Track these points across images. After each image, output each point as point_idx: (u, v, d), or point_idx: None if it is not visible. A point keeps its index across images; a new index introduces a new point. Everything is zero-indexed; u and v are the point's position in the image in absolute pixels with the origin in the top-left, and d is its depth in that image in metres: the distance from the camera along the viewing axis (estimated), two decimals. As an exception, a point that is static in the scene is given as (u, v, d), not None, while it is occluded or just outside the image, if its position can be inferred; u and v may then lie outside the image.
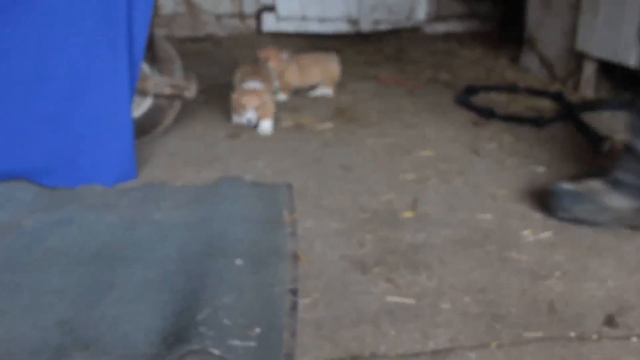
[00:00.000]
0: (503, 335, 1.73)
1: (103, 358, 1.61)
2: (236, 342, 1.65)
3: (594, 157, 2.91)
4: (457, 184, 2.64)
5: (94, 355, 1.61)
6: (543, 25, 4.19)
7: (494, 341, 1.70)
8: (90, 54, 2.53)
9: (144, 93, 2.88)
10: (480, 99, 3.73)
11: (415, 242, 2.18)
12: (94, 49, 2.53)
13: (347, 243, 2.18)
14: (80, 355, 1.61)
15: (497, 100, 3.72)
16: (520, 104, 3.66)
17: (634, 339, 1.71)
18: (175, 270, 1.99)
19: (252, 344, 1.66)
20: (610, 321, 1.77)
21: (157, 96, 2.92)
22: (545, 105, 3.65)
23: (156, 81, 2.86)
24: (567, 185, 2.30)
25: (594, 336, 1.72)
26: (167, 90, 2.88)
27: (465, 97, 3.67)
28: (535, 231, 2.25)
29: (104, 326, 1.73)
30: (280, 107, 3.55)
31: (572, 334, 1.73)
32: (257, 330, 1.72)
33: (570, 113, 3.38)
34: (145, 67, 2.86)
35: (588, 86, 3.82)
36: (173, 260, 2.05)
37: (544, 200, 2.39)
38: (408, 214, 2.37)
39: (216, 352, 1.59)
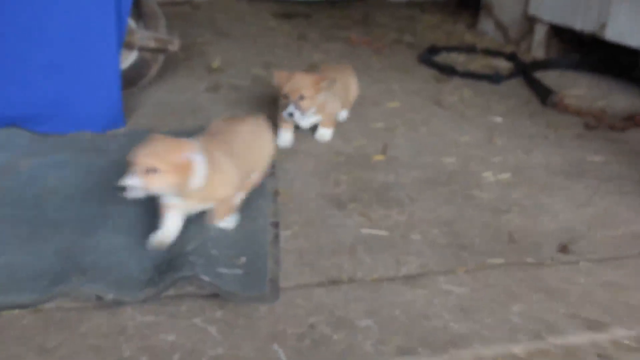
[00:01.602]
0: (469, 261, 1.74)
1: (100, 282, 1.57)
2: (224, 270, 1.63)
3: (543, 108, 2.92)
4: (422, 132, 2.62)
5: (91, 279, 1.58)
6: (499, -9, 4.16)
7: (461, 267, 1.71)
8: (82, 8, 2.43)
9: (130, 46, 2.78)
10: (441, 58, 3.70)
11: (386, 182, 2.17)
12: (85, 4, 2.43)
13: (324, 182, 2.16)
14: (78, 280, 1.57)
15: (457, 60, 3.70)
16: (478, 63, 3.65)
17: (583, 263, 1.74)
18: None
19: (239, 271, 1.64)
20: (563, 248, 1.80)
21: (142, 49, 2.83)
22: (501, 64, 3.64)
23: (142, 35, 2.77)
24: None
25: (549, 261, 1.75)
26: (152, 44, 2.79)
27: (428, 56, 3.64)
28: (495, 173, 2.26)
29: (100, 254, 1.69)
30: (255, 64, 3.48)
31: (530, 260, 1.75)
32: (243, 259, 1.70)
33: (523, 71, 3.38)
34: (131, 22, 2.76)
35: (540, 48, 3.82)
36: (162, 197, 2.00)
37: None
38: (379, 157, 2.36)
39: (206, 278, 1.56)
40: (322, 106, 2.41)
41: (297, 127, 2.48)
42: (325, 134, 2.50)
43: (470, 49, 3.85)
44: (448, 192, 2.12)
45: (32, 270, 1.63)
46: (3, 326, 1.45)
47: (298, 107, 2.32)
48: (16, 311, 1.50)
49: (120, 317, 1.49)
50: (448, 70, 3.39)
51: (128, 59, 2.85)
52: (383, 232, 1.87)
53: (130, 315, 1.50)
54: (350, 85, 2.70)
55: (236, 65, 3.48)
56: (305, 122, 2.45)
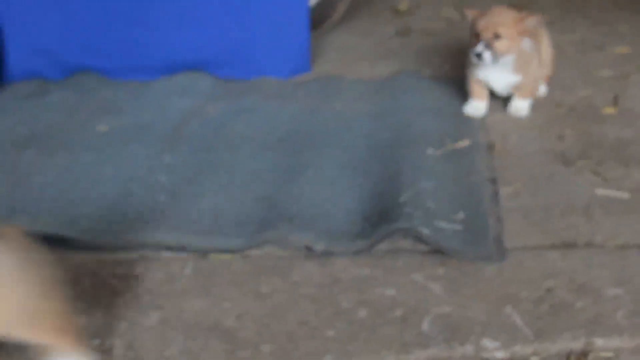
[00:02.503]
0: None
1: (308, 232, 1.69)
2: (443, 224, 1.68)
3: None
4: (662, 80, 2.49)
5: (299, 228, 1.69)
6: None
7: None
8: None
9: (316, -16, 2.90)
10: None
11: (621, 137, 2.11)
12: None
13: (544, 136, 2.14)
14: (285, 227, 1.69)
15: None
16: None
17: None
18: (367, 156, 2.04)
19: (459, 227, 1.69)
20: None
21: (328, -12, 2.94)
22: None
23: (329, -30, 2.87)
24: None
25: None
26: (339, -20, 2.89)
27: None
28: None
29: (304, 203, 1.81)
30: (447, 4, 3.47)
31: None
32: (462, 214, 1.74)
33: None
34: (317, -43, 2.87)
35: None
36: (362, 147, 2.09)
37: None
38: (610, 110, 2.28)
39: (426, 231, 1.62)
40: (525, 61, 2.18)
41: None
42: (522, 107, 2.26)
43: None
44: None
45: (236, 216, 1.78)
46: (214, 270, 1.61)
47: (490, 47, 2.11)
48: (224, 255, 1.65)
49: (332, 267, 1.60)
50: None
51: (313, -2, 2.97)
52: (624, 194, 1.82)
53: (343, 267, 1.60)
54: (542, 44, 2.33)
55: (425, 6, 3.49)
56: (501, 82, 2.23)
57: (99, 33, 2.64)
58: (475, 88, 2.29)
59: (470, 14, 2.20)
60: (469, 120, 2.26)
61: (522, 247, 1.64)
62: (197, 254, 1.65)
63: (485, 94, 2.29)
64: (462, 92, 2.39)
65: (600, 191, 1.84)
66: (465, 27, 3.08)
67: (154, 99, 2.50)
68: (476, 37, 2.14)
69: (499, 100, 2.34)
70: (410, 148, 2.05)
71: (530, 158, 2.02)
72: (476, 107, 2.29)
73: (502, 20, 2.12)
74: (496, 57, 2.13)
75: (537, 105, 2.32)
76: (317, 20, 3.01)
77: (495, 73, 2.21)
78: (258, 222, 1.74)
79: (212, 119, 2.33)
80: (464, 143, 2.08)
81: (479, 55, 2.13)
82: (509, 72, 2.20)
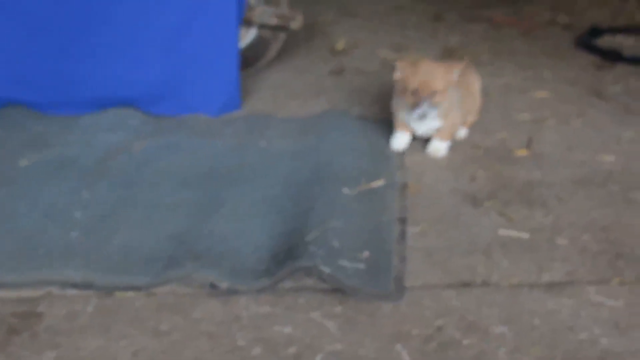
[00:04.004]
0: (626, 272, 1.73)
1: (214, 269, 1.72)
2: (346, 263, 1.73)
3: None
4: (576, 125, 2.60)
5: (205, 266, 1.73)
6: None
7: (616, 277, 1.71)
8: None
9: (249, 23, 2.96)
10: (604, 41, 3.61)
11: (530, 179, 2.19)
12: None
13: (458, 177, 2.21)
14: (192, 265, 1.73)
15: (625, 43, 3.60)
16: (650, 47, 3.53)
17: None
18: (283, 194, 2.08)
19: (362, 265, 1.74)
20: None
21: (261, 27, 3.00)
22: (680, 48, 3.50)
23: (262, 10, 2.94)
24: None
25: None
26: (273, 20, 2.96)
27: (588, 40, 3.57)
28: (664, 174, 2.21)
29: (214, 240, 1.85)
30: (384, 46, 3.58)
31: None
32: (366, 253, 1.79)
33: None
34: (251, -3, 2.94)
35: None
36: (280, 185, 2.14)
37: None
38: (522, 152, 2.37)
39: (327, 270, 1.67)
40: (449, 107, 2.26)
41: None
42: (440, 148, 2.34)
43: (640, 30, 3.73)
44: (604, 193, 2.10)
45: (146, 253, 1.81)
46: (117, 307, 1.63)
47: (432, 106, 2.20)
48: (129, 293, 1.68)
49: (234, 305, 1.63)
50: (612, 56, 3.31)
51: (246, 37, 3.03)
52: (524, 235, 1.90)
53: (244, 305, 1.63)
54: (474, 90, 2.47)
55: (362, 47, 3.59)
56: (424, 127, 2.31)
57: (29, 66, 2.66)
58: (400, 127, 2.38)
59: (402, 67, 2.24)
60: (388, 159, 2.32)
61: (421, 286, 1.70)
62: (103, 292, 1.68)
63: (409, 131, 2.38)
64: (387, 132, 2.46)
65: (503, 231, 1.91)
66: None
67: (81, 133, 2.53)
68: (413, 94, 2.19)
69: (419, 141, 2.42)
70: (327, 186, 2.11)
71: (442, 198, 2.09)
72: (401, 138, 2.38)
73: (436, 76, 2.19)
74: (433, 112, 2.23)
75: (456, 146, 2.41)
76: (251, 58, 3.08)
77: (420, 120, 2.29)
78: (166, 260, 1.77)
79: (136, 155, 2.36)
80: (379, 182, 2.15)
81: (423, 116, 2.23)
82: (433, 118, 2.28)
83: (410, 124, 2.34)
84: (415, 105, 2.19)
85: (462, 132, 2.48)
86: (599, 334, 1.52)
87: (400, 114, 2.36)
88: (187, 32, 2.68)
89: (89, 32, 2.63)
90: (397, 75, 2.25)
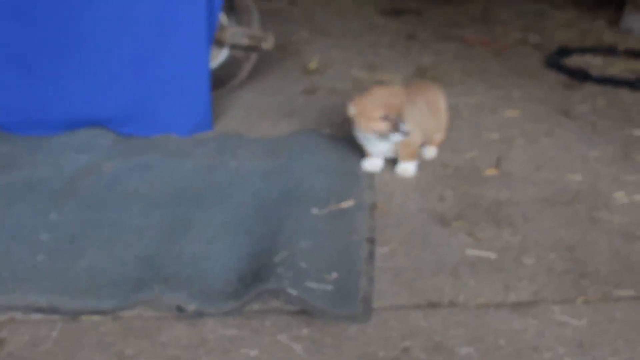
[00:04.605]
0: (590, 291, 1.75)
1: (181, 292, 1.71)
2: (313, 285, 1.73)
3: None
4: (544, 144, 2.64)
5: (173, 288, 1.72)
6: (647, -17, 4.08)
7: (581, 296, 1.72)
8: (171, 3, 2.63)
9: (220, 44, 2.98)
10: (573, 61, 3.68)
11: (498, 199, 2.21)
12: (174, -2, 2.64)
13: (427, 197, 2.23)
14: (160, 288, 1.72)
15: (592, 63, 3.66)
16: (618, 67, 3.59)
17: None
18: (252, 215, 2.09)
19: (329, 287, 1.74)
20: None
21: (233, 47, 3.02)
22: (646, 68, 3.57)
23: (234, 31, 2.96)
24: None
25: (689, 296, 1.72)
26: (245, 41, 2.97)
27: (557, 59, 3.63)
28: (630, 193, 2.24)
29: (182, 263, 1.84)
30: (357, 65, 3.60)
31: (666, 294, 1.74)
32: (334, 274, 1.79)
33: (673, 77, 3.31)
34: (223, 18, 2.96)
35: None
36: (250, 206, 2.14)
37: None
38: (491, 172, 2.40)
39: (294, 292, 1.67)
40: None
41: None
42: (408, 168, 2.37)
43: (609, 51, 3.80)
44: (571, 213, 2.13)
45: (113, 276, 1.80)
46: (82, 332, 1.62)
47: (405, 126, 2.20)
48: (95, 317, 1.67)
49: (201, 329, 1.63)
50: (580, 75, 3.37)
51: (218, 57, 3.04)
52: (491, 254, 1.91)
53: (211, 328, 1.63)
54: (438, 108, 2.49)
55: (335, 66, 3.62)
56: (380, 148, 2.35)
57: (-2, 87, 2.66)
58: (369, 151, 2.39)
59: (354, 103, 2.26)
60: (358, 179, 2.34)
61: (389, 306, 1.70)
62: (68, 316, 1.66)
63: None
64: (358, 151, 2.48)
65: (470, 251, 1.93)
66: (370, 87, 3.23)
67: (50, 154, 2.51)
68: (385, 119, 2.21)
69: (390, 161, 2.43)
70: (296, 207, 2.11)
71: (410, 218, 2.11)
72: (373, 163, 2.41)
73: (400, 99, 2.21)
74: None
75: (425, 165, 2.43)
76: (223, 78, 3.09)
77: (377, 143, 2.33)
78: (133, 283, 1.76)
79: (106, 176, 2.35)
80: (349, 203, 2.16)
81: (407, 134, 2.21)
82: (384, 143, 2.31)
83: (375, 150, 2.37)
84: (394, 128, 2.20)
85: (432, 152, 2.50)
86: (563, 353, 1.53)
87: (369, 144, 2.36)
88: (158, 52, 2.68)
89: (59, 53, 2.62)
90: (353, 112, 2.26)
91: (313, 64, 3.59)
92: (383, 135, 2.24)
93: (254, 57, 3.10)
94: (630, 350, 1.55)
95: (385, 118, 2.21)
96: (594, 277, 1.80)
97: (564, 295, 1.73)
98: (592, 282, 1.78)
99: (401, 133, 2.21)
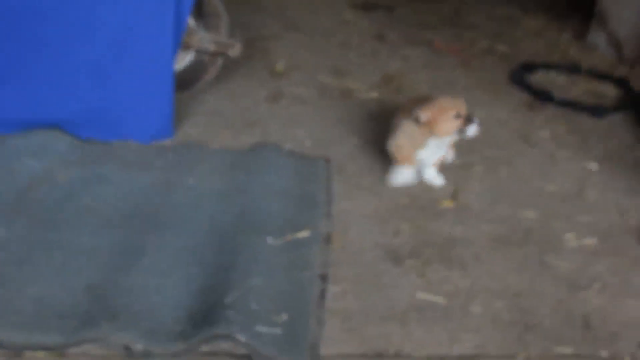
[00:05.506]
0: (532, 347, 1.80)
1: (130, 330, 1.72)
2: (262, 329, 1.75)
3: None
4: (503, 174, 2.67)
5: (121, 326, 1.73)
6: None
7: (522, 352, 1.77)
8: (137, 6, 2.58)
9: (187, 47, 2.94)
10: (538, 77, 3.70)
11: (452, 236, 2.25)
12: (141, 1, 2.59)
13: (383, 230, 2.25)
14: (108, 326, 1.72)
15: (557, 81, 3.70)
16: (581, 88, 3.63)
17: (667, 366, 1.77)
18: (206, 242, 2.09)
19: (279, 331, 1.76)
20: (645, 344, 1.83)
21: (199, 51, 2.98)
22: (609, 91, 3.62)
23: (201, 37, 2.92)
24: None
25: (627, 358, 1.78)
26: (212, 47, 2.94)
27: (521, 75, 3.65)
28: (579, 236, 2.30)
29: (133, 296, 1.84)
30: (324, 69, 3.59)
31: (604, 354, 1.79)
32: (285, 316, 1.81)
33: (634, 103, 3.36)
34: (191, 22, 2.91)
35: (658, 74, 3.77)
36: (205, 231, 2.14)
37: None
38: (448, 204, 2.43)
39: (242, 339, 1.69)
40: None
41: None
42: (436, 175, 2.56)
43: (573, 68, 3.83)
44: (522, 255, 2.17)
45: (61, 308, 1.80)
46: (27, 368, 1.62)
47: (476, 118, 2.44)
48: (40, 353, 1.67)
49: (147, 371, 1.64)
50: (543, 96, 3.40)
51: (183, 59, 3.00)
52: (440, 299, 1.95)
53: (158, 370, 1.64)
54: None
55: (302, 69, 3.59)
56: (435, 156, 2.51)
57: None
58: (407, 157, 2.48)
59: (424, 111, 2.38)
60: (315, 206, 2.34)
61: (336, 355, 1.73)
62: (12, 351, 1.66)
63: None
64: (318, 171, 2.49)
65: (421, 295, 1.97)
66: (335, 96, 3.23)
67: (3, 158, 2.47)
68: (458, 117, 2.39)
69: (350, 187, 2.45)
70: (251, 235, 2.12)
71: (365, 253, 2.13)
72: (405, 172, 2.52)
73: (459, 100, 2.46)
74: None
75: (382, 194, 2.45)
76: (188, 81, 3.06)
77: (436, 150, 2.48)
78: (82, 317, 1.76)
79: (60, 187, 2.33)
80: (304, 233, 2.17)
81: (477, 125, 2.42)
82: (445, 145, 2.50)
83: (431, 158, 2.51)
84: (468, 122, 2.41)
85: (451, 154, 2.69)
86: (501, 416, 1.58)
87: (429, 151, 2.47)
88: (121, 56, 2.63)
89: (17, 53, 2.56)
90: (425, 118, 2.38)
91: (280, 67, 3.56)
92: (460, 131, 2.41)
93: (219, 61, 3.06)
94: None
95: (458, 116, 2.39)
96: (537, 331, 1.86)
97: (506, 349, 1.78)
98: (536, 337, 1.83)
99: (475, 124, 2.40)
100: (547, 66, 3.86)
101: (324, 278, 2.00)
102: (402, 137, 2.47)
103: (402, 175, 2.51)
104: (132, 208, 2.25)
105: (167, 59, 2.69)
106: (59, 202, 2.25)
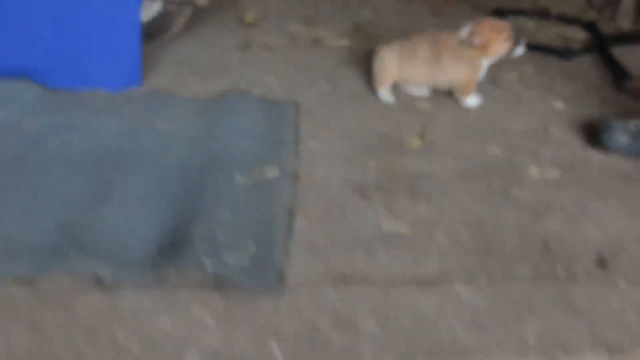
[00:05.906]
0: (493, 270, 1.86)
1: (99, 262, 1.76)
2: (230, 259, 1.80)
3: (616, 95, 2.96)
4: (470, 114, 2.72)
5: (91, 257, 1.77)
6: (585, -53, 4.14)
7: (484, 275, 1.84)
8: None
9: (153, -4, 2.94)
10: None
11: (418, 171, 2.29)
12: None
13: (351, 166, 2.30)
14: (77, 257, 1.76)
15: (525, 26, 3.73)
16: (549, 32, 3.67)
17: (620, 281, 1.84)
18: (175, 182, 2.12)
19: (246, 260, 1.81)
20: (601, 263, 1.90)
21: (167, 1, 2.98)
22: (577, 35, 3.66)
23: (167, -16, 2.92)
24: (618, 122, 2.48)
25: (582, 276, 1.85)
26: (178, -4, 2.95)
27: (492, 21, 3.68)
28: (543, 169, 2.35)
29: (102, 231, 1.88)
30: (294, 19, 3.60)
31: (562, 273, 1.86)
32: (252, 247, 1.86)
33: (600, 45, 3.41)
34: (156, -31, 2.91)
35: (626, 17, 3.82)
36: (173, 172, 2.18)
37: (593, 134, 2.54)
38: (416, 141, 2.47)
39: (209, 267, 1.73)
40: None
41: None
42: (474, 99, 2.76)
43: (542, 13, 3.87)
44: (485, 187, 2.23)
45: (30, 243, 1.83)
46: (-2, 302, 1.66)
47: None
48: (10, 286, 1.70)
49: (117, 299, 1.68)
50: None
51: (150, 9, 3.00)
52: (406, 229, 2.01)
53: (128, 299, 1.69)
54: None
55: (272, 19, 3.60)
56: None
57: None
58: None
59: (475, 34, 2.56)
60: (284, 146, 2.38)
61: (303, 281, 1.78)
62: (-17, 284, 1.69)
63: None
64: (285, 114, 2.52)
65: (387, 225, 2.02)
66: (306, 44, 3.25)
67: (-29, 108, 2.48)
68: (509, 39, 2.60)
69: (317, 127, 2.49)
70: (220, 175, 2.15)
71: (332, 188, 2.17)
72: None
73: (505, 22, 2.66)
74: None
75: (351, 135, 2.49)
76: (156, 31, 3.06)
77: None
78: (51, 249, 1.80)
79: (28, 134, 2.34)
80: (272, 171, 2.21)
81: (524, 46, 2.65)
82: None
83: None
84: (517, 43, 2.62)
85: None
86: (458, 330, 1.64)
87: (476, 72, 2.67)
88: (84, 3, 2.63)
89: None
90: (479, 41, 2.54)
91: (250, 17, 3.57)
92: (511, 52, 2.62)
93: (187, 10, 3.07)
94: (520, 327, 1.67)
95: (509, 37, 2.57)
96: (498, 256, 1.92)
97: (468, 273, 1.85)
98: (496, 261, 1.90)
99: (522, 45, 2.61)
100: (517, 13, 3.89)
101: (291, 212, 2.04)
102: (377, 64, 2.67)
103: (386, 95, 2.72)
104: (101, 152, 2.27)
105: (133, 4, 2.69)
106: (28, 148, 2.26)
